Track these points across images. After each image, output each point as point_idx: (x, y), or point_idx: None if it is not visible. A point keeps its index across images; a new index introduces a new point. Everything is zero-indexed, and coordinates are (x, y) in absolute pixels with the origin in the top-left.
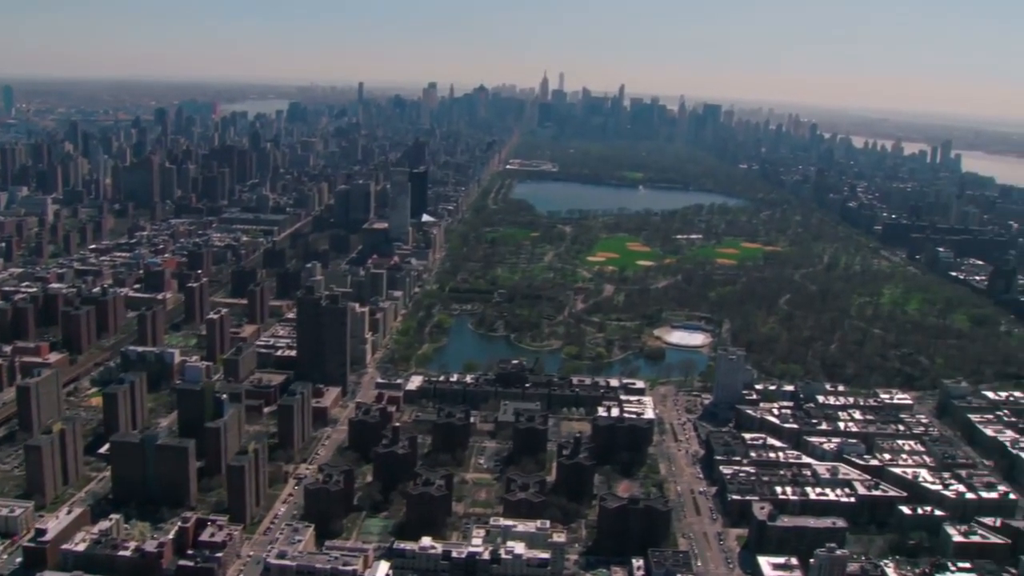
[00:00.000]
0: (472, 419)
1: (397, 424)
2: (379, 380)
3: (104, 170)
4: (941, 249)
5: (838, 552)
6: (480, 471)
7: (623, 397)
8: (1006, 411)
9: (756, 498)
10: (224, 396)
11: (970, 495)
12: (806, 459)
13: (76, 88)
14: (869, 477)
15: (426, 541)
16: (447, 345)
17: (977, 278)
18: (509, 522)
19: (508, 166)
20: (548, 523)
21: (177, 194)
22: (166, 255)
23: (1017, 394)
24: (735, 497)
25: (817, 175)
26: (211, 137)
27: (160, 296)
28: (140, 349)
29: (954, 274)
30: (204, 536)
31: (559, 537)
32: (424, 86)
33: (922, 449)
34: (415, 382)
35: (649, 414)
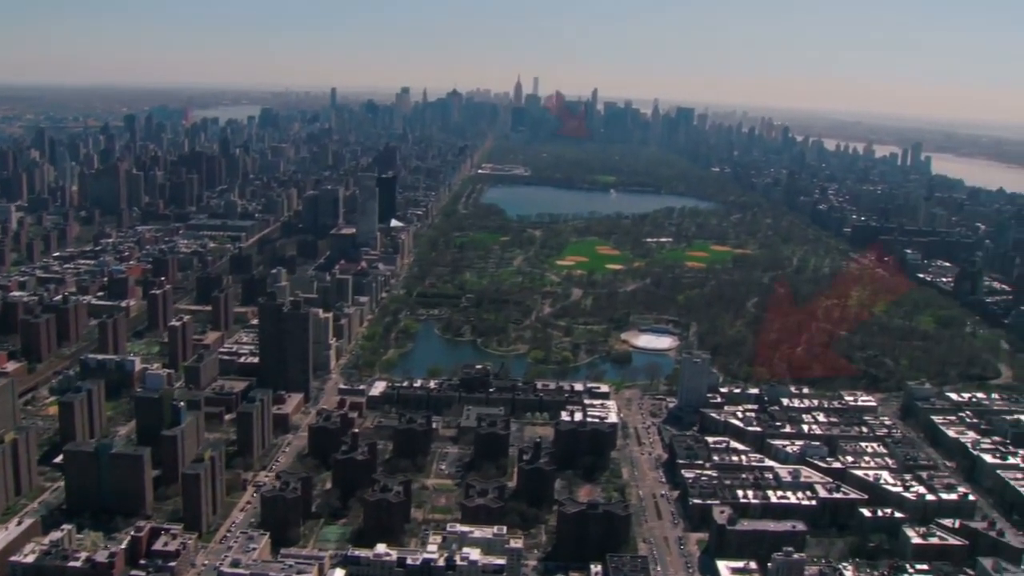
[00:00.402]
0: (434, 425)
1: (356, 431)
2: (342, 386)
3: (71, 177)
4: (908, 251)
5: (795, 556)
6: (441, 477)
7: (587, 401)
8: (968, 412)
9: (717, 502)
10: (181, 404)
11: (930, 497)
12: (769, 462)
13: (46, 95)
14: (830, 480)
15: (380, 548)
16: (413, 350)
17: (944, 280)
18: (466, 528)
19: (480, 171)
20: (505, 529)
21: (144, 201)
22: (131, 262)
23: (980, 395)
24: (696, 501)
25: (788, 178)
26: (181, 143)
27: (124, 303)
28: (100, 357)
29: (922, 276)
30: (157, 545)
31: (516, 543)
32: (397, 91)
33: (884, 451)
34: (378, 388)
35: (612, 418)
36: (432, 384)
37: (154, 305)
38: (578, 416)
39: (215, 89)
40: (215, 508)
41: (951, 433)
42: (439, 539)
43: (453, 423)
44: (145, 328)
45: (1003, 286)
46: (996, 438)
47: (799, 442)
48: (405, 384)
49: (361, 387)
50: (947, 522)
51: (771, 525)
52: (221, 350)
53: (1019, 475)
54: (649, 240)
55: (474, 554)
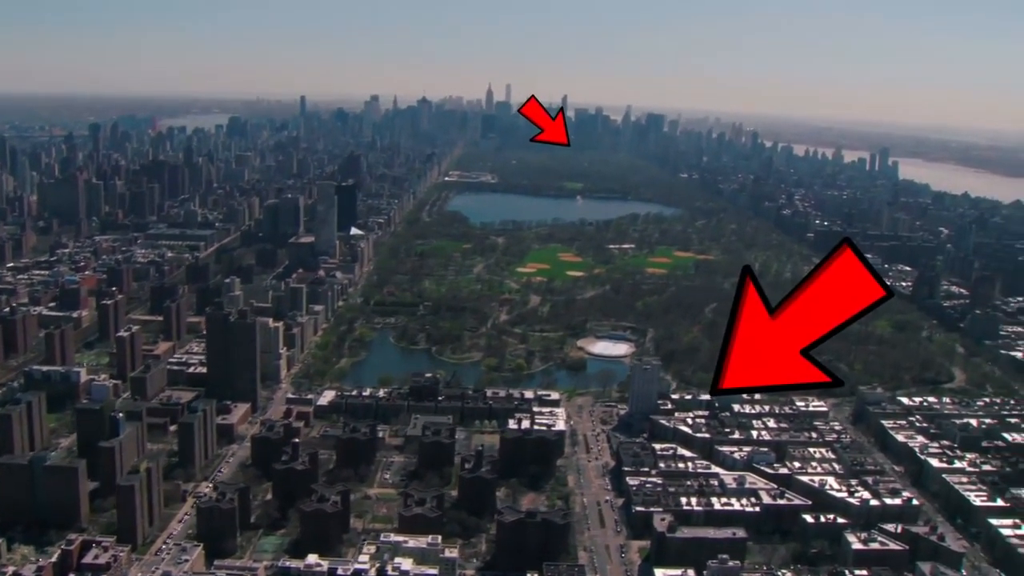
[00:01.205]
0: (381, 434)
1: (297, 440)
2: (290, 395)
3: (30, 187)
4: (869, 255)
5: (730, 564)
6: (386, 486)
7: (536, 409)
8: (919, 416)
9: (660, 509)
10: (120, 415)
11: (874, 502)
12: (715, 469)
13: (12, 103)
14: (775, 486)
15: (312, 559)
16: (366, 359)
17: (903, 284)
18: (400, 538)
19: (447, 178)
20: (440, 538)
21: (104, 210)
22: (87, 272)
23: (932, 399)
24: (639, 509)
25: (753, 183)
26: (146, 152)
27: (75, 314)
28: (45, 368)
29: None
30: (88, 559)
31: (452, 552)
32: (366, 99)
33: (832, 456)
34: (327, 397)
35: (560, 426)
36: (381, 393)
37: (105, 315)
38: (526, 424)
39: (187, 98)
40: (152, 520)
41: (900, 438)
42: (373, 549)
43: (400, 432)
44: (96, 339)
45: (961, 290)
46: (945, 442)
47: (747, 448)
48: (354, 393)
49: (309, 396)
50: (890, 527)
51: (711, 532)
52: (171, 360)
53: (964, 479)
54: (612, 247)
55: (406, 564)
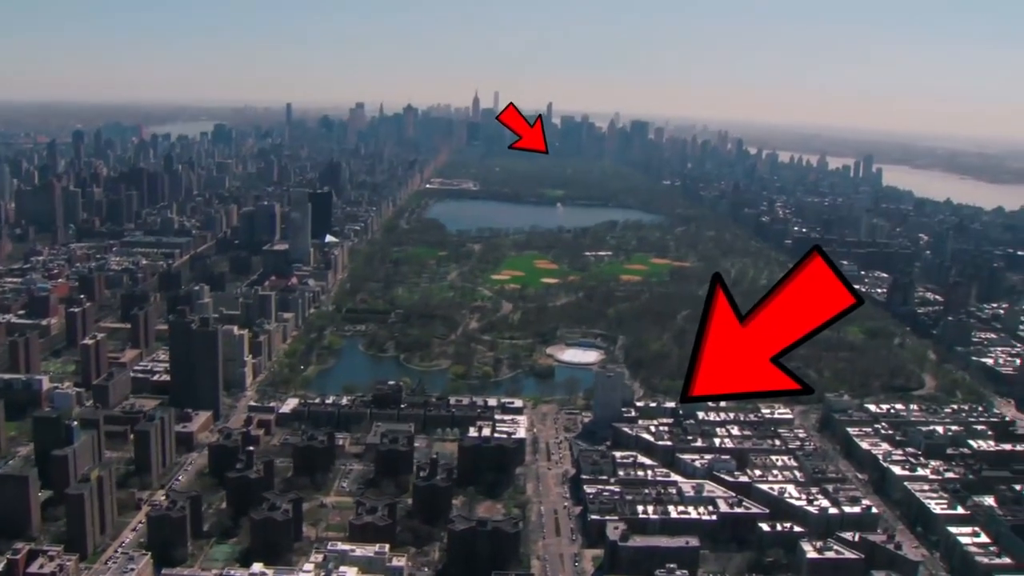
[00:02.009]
0: (341, 442)
1: (252, 448)
2: (252, 403)
3: (8, 194)
4: (845, 262)
5: (678, 573)
6: (343, 494)
7: (498, 417)
8: (884, 424)
9: (616, 518)
10: (74, 423)
11: (833, 510)
12: (674, 477)
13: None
14: (733, 494)
15: (256, 567)
16: (334, 367)
17: (879, 291)
18: (347, 547)
19: (428, 185)
20: (387, 547)
21: (82, 218)
22: (60, 280)
23: (899, 406)
24: (594, 517)
25: (733, 190)
26: (128, 160)
27: (44, 322)
28: (7, 376)
29: (857, 287)
30: (34, 568)
31: (399, 561)
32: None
33: (794, 464)
34: (290, 405)
35: (521, 433)
36: (344, 401)
37: (73, 323)
38: (487, 432)
39: (175, 105)
40: (104, 528)
41: (865, 445)
42: (320, 558)
43: (361, 440)
44: (64, 347)
45: (937, 296)
46: (910, 449)
47: (708, 456)
48: (317, 401)
49: (272, 404)
50: (847, 535)
51: (664, 541)
52: (136, 368)
53: (926, 487)
54: (588, 254)
55: (351, 573)
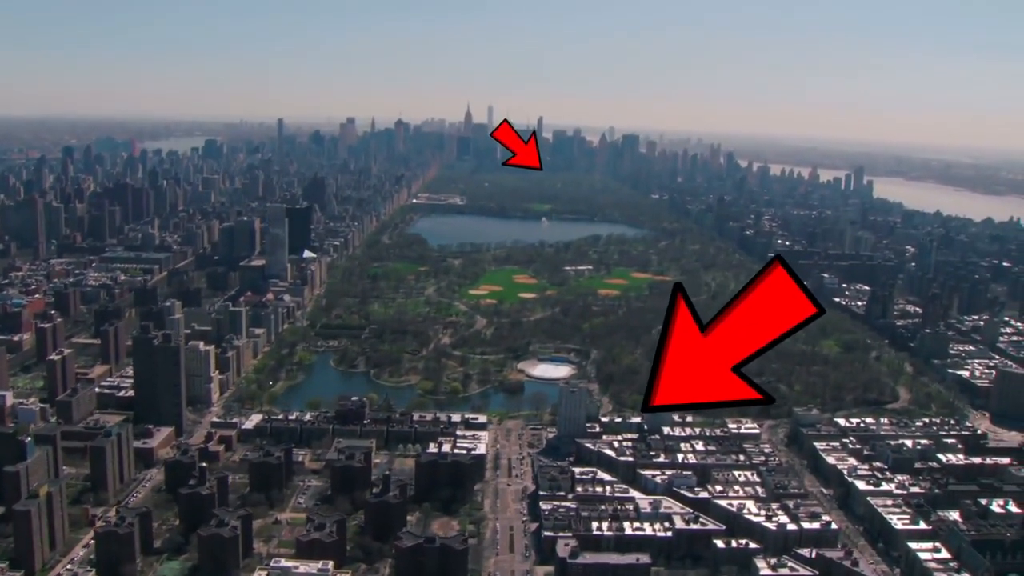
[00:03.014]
0: (300, 458)
1: (205, 465)
2: (214, 419)
3: None
4: (826, 275)
5: None
6: (299, 511)
7: (459, 432)
8: (853, 438)
9: (569, 534)
10: (28, 439)
11: (791, 526)
12: (633, 493)
13: None
14: (690, 510)
15: None
16: (303, 382)
17: (858, 303)
18: (290, 563)
19: (415, 200)
20: (331, 564)
21: (64, 233)
22: (36, 296)
23: (869, 420)
24: (548, 534)
25: (718, 203)
26: (116, 175)
27: (16, 338)
28: None
29: (837, 300)
30: None
31: None
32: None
33: (757, 480)
34: (253, 421)
35: (481, 449)
36: (308, 417)
37: (43, 339)
38: (447, 447)
39: (169, 120)
40: (53, 545)
41: (831, 460)
42: (263, 574)
43: (322, 456)
44: (34, 363)
45: (917, 309)
46: (877, 464)
47: (670, 472)
48: (280, 417)
49: (235, 420)
50: (804, 552)
51: (614, 558)
52: (103, 384)
53: (889, 502)
54: (568, 268)
55: None
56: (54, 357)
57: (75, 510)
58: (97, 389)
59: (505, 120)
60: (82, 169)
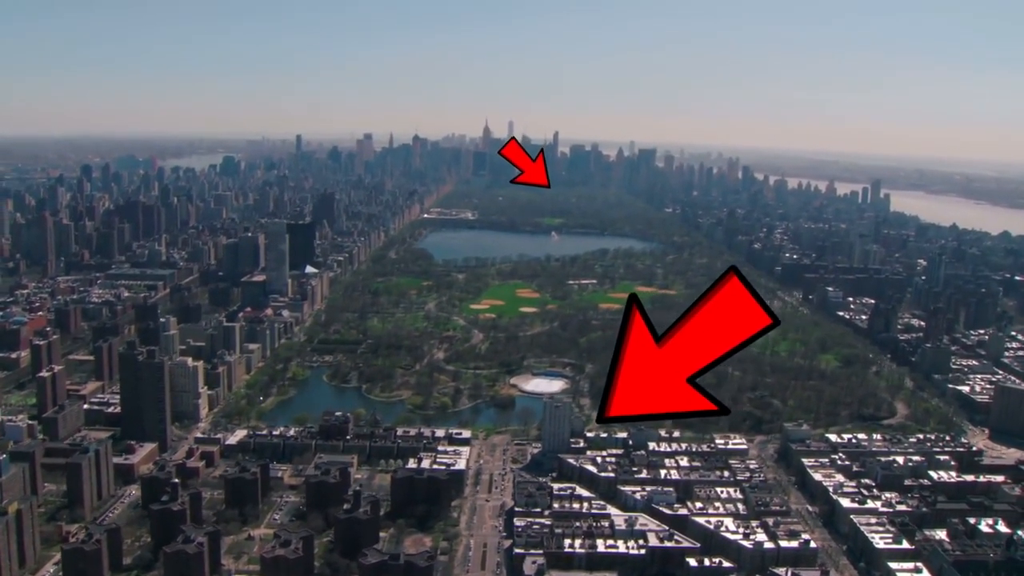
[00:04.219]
0: (279, 473)
1: (177, 481)
2: (198, 435)
3: (6, 228)
4: (831, 288)
5: None
6: (274, 527)
7: (441, 448)
8: (842, 454)
9: (539, 552)
10: (3, 456)
11: (769, 545)
12: (610, 509)
13: (21, 146)
14: (666, 528)
15: None
16: (294, 397)
17: (863, 317)
18: None
19: (427, 215)
20: None
21: (73, 251)
22: (39, 313)
23: (861, 436)
24: (519, 551)
25: (728, 217)
26: (132, 193)
27: (14, 355)
28: None
29: (841, 313)
30: None
31: None
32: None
33: (739, 496)
34: (237, 436)
35: (460, 465)
36: (291, 432)
37: (38, 356)
38: (427, 463)
39: (192, 138)
40: (23, 562)
41: (818, 476)
42: None
43: (303, 472)
44: (29, 379)
45: (922, 323)
46: (865, 481)
47: (650, 488)
48: (264, 432)
49: (218, 436)
50: (781, 571)
51: None
52: (92, 400)
53: (873, 520)
54: (572, 282)
55: None
56: (44, 374)
57: (49, 527)
58: (86, 405)
59: (513, 138)
60: (100, 187)
